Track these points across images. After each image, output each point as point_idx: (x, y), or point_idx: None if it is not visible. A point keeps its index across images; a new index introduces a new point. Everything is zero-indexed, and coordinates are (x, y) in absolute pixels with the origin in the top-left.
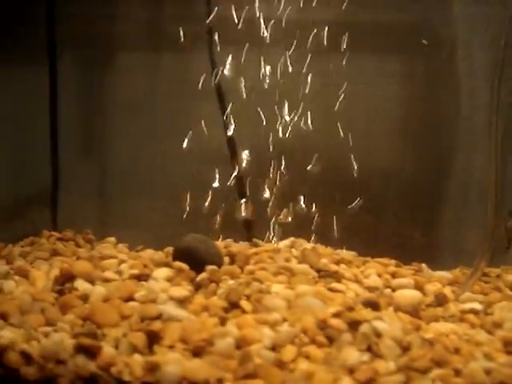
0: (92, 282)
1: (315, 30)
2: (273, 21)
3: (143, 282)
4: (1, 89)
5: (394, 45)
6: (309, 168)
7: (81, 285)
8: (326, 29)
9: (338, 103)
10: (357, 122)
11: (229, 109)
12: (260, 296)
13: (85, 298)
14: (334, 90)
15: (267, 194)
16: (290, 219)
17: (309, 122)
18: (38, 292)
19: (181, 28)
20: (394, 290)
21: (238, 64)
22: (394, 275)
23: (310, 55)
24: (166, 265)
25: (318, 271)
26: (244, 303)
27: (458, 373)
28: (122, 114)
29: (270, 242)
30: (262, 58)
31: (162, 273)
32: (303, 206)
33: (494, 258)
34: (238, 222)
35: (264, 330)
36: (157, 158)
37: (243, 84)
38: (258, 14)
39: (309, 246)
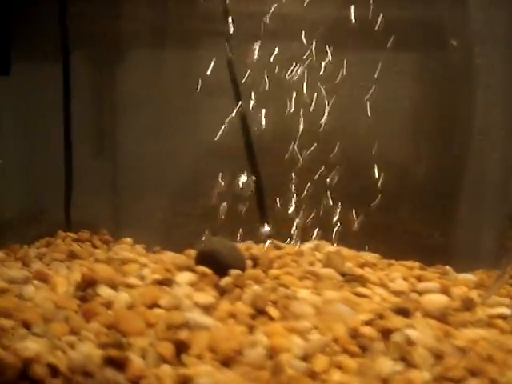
0: (115, 287)
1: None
2: (292, 15)
3: (166, 287)
4: (14, 89)
5: (413, 42)
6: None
7: (104, 291)
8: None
9: (355, 101)
10: (377, 121)
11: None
12: (287, 302)
13: (108, 304)
14: (352, 88)
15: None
16: (310, 219)
17: (326, 119)
18: (60, 299)
19: (193, 25)
20: (420, 294)
21: (256, 60)
22: (419, 278)
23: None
24: (189, 269)
25: (343, 275)
26: (271, 309)
27: (494, 383)
28: (136, 111)
29: (290, 243)
30: (279, 54)
31: (185, 277)
32: (323, 205)
33: None
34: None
35: (294, 339)
36: (170, 155)
37: (260, 80)
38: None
39: (332, 248)
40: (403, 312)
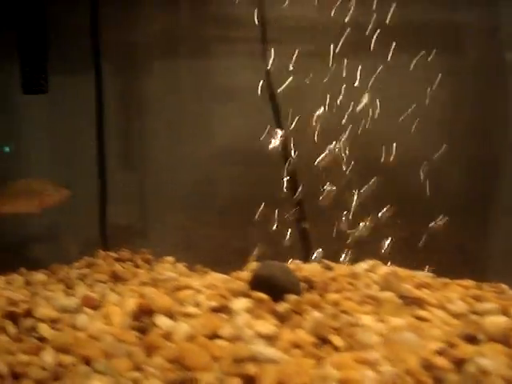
0: (172, 317)
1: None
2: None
3: (223, 315)
4: (47, 102)
5: (449, 43)
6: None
7: (162, 321)
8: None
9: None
10: (423, 131)
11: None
12: (352, 330)
13: (167, 336)
14: (384, 92)
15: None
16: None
17: (363, 127)
18: (118, 331)
19: (224, 32)
20: (480, 315)
21: (291, 66)
22: (476, 298)
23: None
24: (244, 294)
25: (401, 297)
26: (334, 338)
27: None
28: (169, 122)
29: (340, 261)
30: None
31: (242, 304)
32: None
33: None
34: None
35: (365, 371)
36: (202, 165)
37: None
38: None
39: (387, 269)
40: (471, 338)
